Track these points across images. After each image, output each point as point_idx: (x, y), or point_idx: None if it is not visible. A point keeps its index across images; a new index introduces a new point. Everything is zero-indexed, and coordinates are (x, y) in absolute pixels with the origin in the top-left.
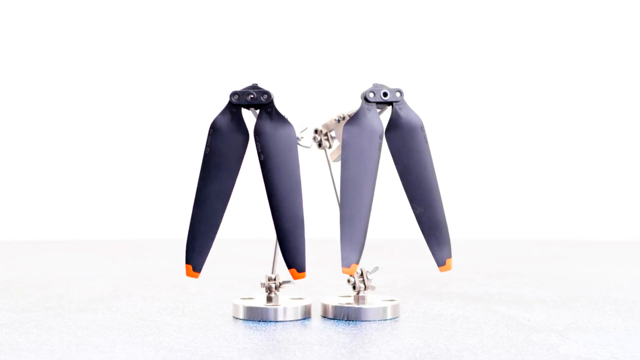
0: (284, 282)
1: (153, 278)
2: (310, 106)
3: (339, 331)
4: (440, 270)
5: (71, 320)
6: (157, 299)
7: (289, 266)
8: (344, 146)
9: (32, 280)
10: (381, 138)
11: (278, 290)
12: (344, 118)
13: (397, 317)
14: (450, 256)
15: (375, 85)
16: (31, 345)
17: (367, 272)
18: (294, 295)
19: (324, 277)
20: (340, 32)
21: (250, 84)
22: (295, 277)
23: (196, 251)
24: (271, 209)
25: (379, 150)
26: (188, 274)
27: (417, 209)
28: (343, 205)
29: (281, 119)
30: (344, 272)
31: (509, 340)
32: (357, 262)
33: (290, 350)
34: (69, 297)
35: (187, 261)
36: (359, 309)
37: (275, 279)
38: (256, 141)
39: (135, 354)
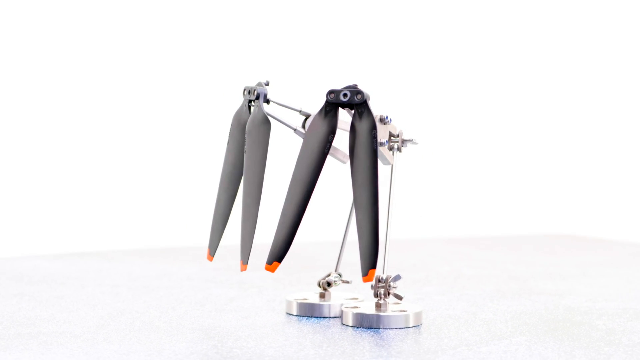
0: (333, 282)
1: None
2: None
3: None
4: (363, 281)
5: None
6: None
7: (240, 258)
8: (302, 143)
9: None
10: (330, 141)
11: (327, 288)
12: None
13: (419, 325)
14: (374, 267)
15: (345, 86)
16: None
17: (390, 278)
18: (350, 295)
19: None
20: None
21: (264, 81)
22: (241, 270)
23: (212, 236)
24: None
25: (325, 151)
26: (207, 257)
27: (358, 215)
28: (285, 200)
29: (261, 118)
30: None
31: None
32: (271, 263)
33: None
34: None
35: (208, 245)
36: (379, 316)
37: (327, 277)
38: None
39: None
